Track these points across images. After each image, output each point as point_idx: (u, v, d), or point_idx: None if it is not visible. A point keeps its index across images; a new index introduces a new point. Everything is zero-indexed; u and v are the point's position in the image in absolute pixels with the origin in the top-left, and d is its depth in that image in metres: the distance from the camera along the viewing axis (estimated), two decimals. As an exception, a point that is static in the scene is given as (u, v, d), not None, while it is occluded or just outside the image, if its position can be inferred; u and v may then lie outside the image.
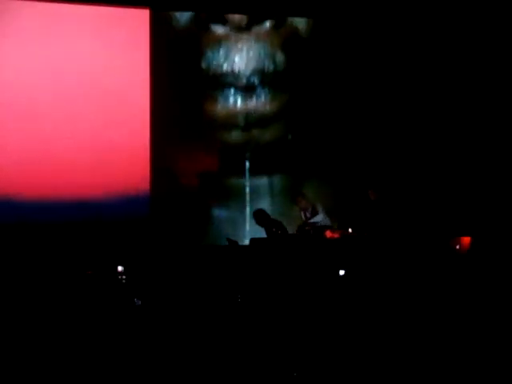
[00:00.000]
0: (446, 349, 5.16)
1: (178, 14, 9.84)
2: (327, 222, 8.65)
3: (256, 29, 10.06)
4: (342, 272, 7.43)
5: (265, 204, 9.73)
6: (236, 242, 8.52)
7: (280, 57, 10.16)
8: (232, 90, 10.01)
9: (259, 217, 8.72)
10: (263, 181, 10.11)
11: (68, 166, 9.20)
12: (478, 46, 9.69)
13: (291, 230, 8.76)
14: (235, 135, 10.05)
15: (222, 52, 9.97)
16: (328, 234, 8.24)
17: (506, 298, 6.32)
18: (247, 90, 10.06)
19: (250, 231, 9.48)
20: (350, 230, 8.24)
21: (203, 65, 9.93)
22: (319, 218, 8.64)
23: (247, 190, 10.03)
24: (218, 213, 9.89)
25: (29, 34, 9.15)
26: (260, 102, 10.11)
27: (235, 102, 10.04)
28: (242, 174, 10.07)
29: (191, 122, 9.86)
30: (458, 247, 8.17)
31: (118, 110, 9.44)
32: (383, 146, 10.05)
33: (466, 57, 9.78)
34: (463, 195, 9.59)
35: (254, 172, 10.07)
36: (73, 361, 5.05)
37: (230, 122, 10.02)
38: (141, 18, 9.56)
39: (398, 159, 9.98)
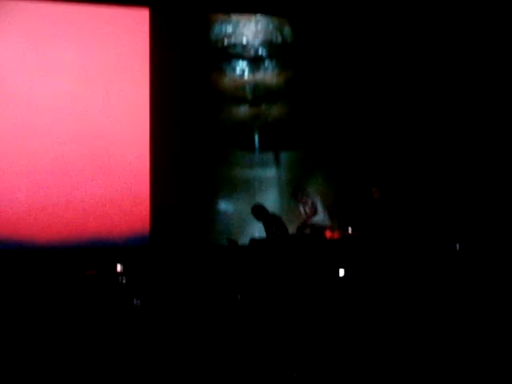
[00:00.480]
0: (445, 349, 5.15)
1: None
2: (326, 220, 8.60)
3: None
4: (341, 272, 7.41)
5: (272, 198, 9.71)
6: (236, 242, 8.52)
7: (288, 30, 10.10)
8: (240, 63, 9.91)
9: (257, 212, 8.69)
10: (271, 172, 10.05)
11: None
12: (478, 44, 9.67)
13: (292, 226, 8.72)
14: (243, 110, 9.97)
15: (230, 26, 9.91)
16: (328, 234, 8.22)
17: (506, 299, 6.32)
18: (255, 63, 9.96)
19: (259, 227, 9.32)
20: (349, 230, 8.22)
21: (212, 37, 9.84)
22: (319, 217, 8.60)
23: (255, 181, 9.93)
24: (225, 207, 9.86)
25: (25, 35, 9.13)
26: (268, 75, 10.01)
27: (242, 75, 9.93)
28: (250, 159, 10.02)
29: (192, 125, 9.77)
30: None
31: (117, 112, 9.43)
32: (387, 143, 9.98)
33: (467, 56, 9.75)
34: (465, 195, 9.56)
35: (263, 148, 10.00)
36: (72, 361, 5.04)
37: (237, 96, 9.92)
38: (141, 18, 9.55)
39: (401, 157, 9.91)
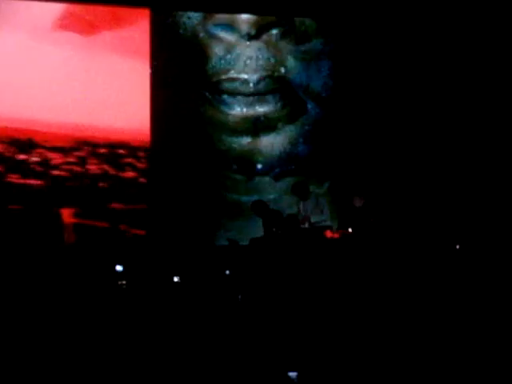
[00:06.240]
0: (445, 349, 5.16)
1: (185, 20, 9.76)
2: (329, 221, 8.53)
3: (264, 36, 9.93)
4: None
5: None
6: (236, 242, 8.50)
7: (289, 63, 10.05)
8: (239, 97, 9.83)
9: (257, 207, 8.63)
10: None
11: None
12: (480, 50, 9.67)
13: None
14: (243, 143, 9.92)
15: (229, 57, 9.81)
16: (328, 233, 8.21)
17: (506, 300, 6.32)
18: (255, 97, 9.88)
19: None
20: (350, 230, 8.21)
21: (208, 70, 9.78)
22: (325, 216, 8.52)
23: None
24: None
25: (24, 35, 9.14)
26: (269, 109, 9.97)
27: (242, 108, 9.86)
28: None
29: (193, 126, 9.76)
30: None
31: (117, 114, 9.46)
32: (387, 144, 9.99)
33: (468, 66, 9.76)
34: (465, 196, 9.55)
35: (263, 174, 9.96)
36: (71, 361, 5.05)
37: (237, 129, 9.86)
38: (141, 18, 9.55)
39: (402, 158, 9.91)
